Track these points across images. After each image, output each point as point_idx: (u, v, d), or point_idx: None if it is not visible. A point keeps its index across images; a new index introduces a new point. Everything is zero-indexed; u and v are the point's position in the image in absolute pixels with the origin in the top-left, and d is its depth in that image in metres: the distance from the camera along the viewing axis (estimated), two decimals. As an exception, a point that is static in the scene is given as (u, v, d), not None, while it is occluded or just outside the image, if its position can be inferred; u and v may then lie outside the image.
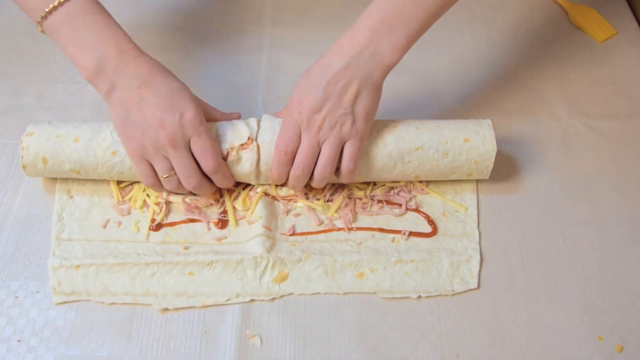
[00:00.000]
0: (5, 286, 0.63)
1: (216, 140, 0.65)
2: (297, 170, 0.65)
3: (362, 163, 0.67)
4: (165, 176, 0.64)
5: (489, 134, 0.68)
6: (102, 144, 0.65)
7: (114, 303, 0.62)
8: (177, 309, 0.62)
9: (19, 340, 0.60)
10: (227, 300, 0.63)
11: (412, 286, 0.64)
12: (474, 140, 0.67)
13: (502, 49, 0.88)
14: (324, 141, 0.64)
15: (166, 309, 0.62)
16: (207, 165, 0.64)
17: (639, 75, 0.85)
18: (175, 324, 0.61)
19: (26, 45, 0.86)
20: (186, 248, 0.66)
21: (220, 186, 0.67)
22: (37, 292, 0.63)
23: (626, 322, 0.63)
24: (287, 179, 0.67)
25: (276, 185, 0.70)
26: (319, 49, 0.87)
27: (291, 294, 0.63)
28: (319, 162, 0.65)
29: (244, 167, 0.66)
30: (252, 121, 0.68)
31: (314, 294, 0.64)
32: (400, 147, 0.66)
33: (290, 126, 0.64)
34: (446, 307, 0.63)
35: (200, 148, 0.63)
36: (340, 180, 0.67)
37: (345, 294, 0.64)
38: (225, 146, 0.65)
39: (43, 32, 0.64)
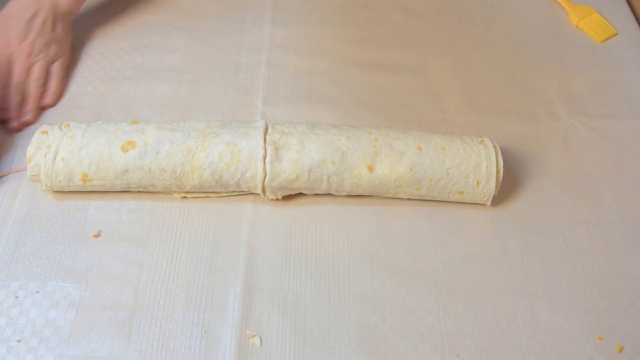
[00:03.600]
0: (5, 286, 0.63)
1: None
2: (18, 96, 0.77)
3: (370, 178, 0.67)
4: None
5: (489, 191, 0.68)
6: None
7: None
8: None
9: (19, 340, 0.60)
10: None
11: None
12: (466, 194, 0.68)
13: (502, 49, 0.88)
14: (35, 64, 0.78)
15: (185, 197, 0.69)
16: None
17: (639, 75, 0.85)
18: (175, 324, 0.61)
19: (26, 45, 0.86)
20: None
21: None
22: (37, 292, 0.63)
23: (626, 322, 0.63)
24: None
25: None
26: (319, 49, 0.87)
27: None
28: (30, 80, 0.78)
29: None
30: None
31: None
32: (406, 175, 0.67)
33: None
34: (446, 307, 0.63)
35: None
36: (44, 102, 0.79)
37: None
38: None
39: None
